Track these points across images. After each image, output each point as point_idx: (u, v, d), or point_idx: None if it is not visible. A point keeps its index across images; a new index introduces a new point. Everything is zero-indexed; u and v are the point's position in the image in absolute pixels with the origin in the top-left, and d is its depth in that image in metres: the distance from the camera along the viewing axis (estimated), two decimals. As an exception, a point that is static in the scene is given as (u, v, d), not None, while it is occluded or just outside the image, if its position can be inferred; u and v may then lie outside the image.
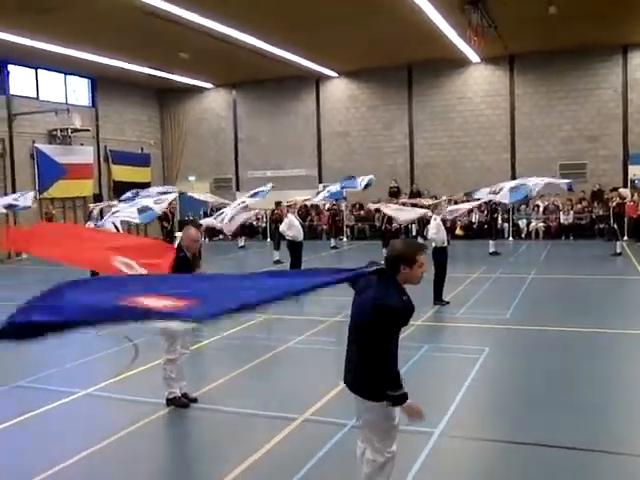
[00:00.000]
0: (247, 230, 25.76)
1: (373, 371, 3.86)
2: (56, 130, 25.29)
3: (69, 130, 25.48)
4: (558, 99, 25.03)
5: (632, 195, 22.40)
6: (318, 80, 28.29)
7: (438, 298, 11.74)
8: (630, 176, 24.28)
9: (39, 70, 25.32)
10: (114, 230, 13.14)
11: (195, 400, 6.77)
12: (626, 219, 20.12)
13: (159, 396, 6.74)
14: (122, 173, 28.21)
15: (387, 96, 27.34)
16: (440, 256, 11.88)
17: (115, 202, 19.25)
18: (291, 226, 15.43)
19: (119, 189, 28.02)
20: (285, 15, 18.45)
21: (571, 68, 24.69)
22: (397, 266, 3.88)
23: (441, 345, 8.45)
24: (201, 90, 30.34)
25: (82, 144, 26.49)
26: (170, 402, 6.67)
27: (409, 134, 27.17)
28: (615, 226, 18.61)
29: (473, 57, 24.88)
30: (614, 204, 18.79)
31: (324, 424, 6.01)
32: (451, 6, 17.90)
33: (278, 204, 20.34)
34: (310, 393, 6.86)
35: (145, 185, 29.20)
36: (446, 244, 12.02)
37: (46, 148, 25.09)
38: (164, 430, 6.28)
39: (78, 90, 27.36)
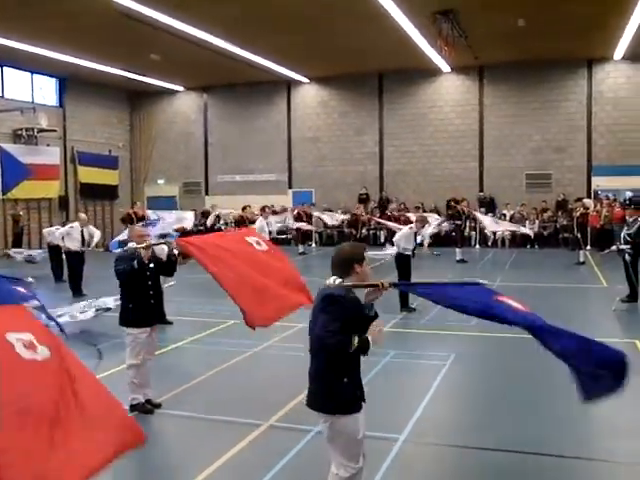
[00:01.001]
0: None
1: (326, 379, 3.86)
2: (21, 130, 24.78)
3: (35, 130, 25.02)
4: (527, 110, 25.41)
5: (595, 206, 22.82)
6: (289, 85, 28.30)
7: (404, 305, 11.82)
8: (593, 187, 24.76)
9: (5, 68, 24.88)
10: None
11: (159, 406, 6.71)
12: (589, 229, 20.49)
13: (123, 402, 6.63)
14: (89, 175, 27.84)
15: (358, 103, 27.48)
16: (402, 262, 12.09)
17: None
18: (261, 231, 15.38)
19: (86, 191, 27.76)
20: (256, 20, 18.44)
21: (539, 80, 25.09)
22: (351, 266, 3.97)
23: (407, 352, 8.49)
24: (172, 93, 30.14)
25: (48, 145, 26.06)
26: (133, 408, 6.59)
27: (379, 141, 27.33)
28: (579, 235, 18.93)
29: (444, 67, 25.13)
30: (578, 214, 19.11)
31: (289, 430, 6.00)
32: (422, 15, 18.06)
33: (244, 209, 20.37)
34: (276, 399, 6.83)
35: (112, 188, 28.98)
36: (409, 253, 12.19)
37: (10, 148, 24.61)
38: (127, 436, 6.19)
39: (45, 89, 26.96)
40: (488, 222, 21.53)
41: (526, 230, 21.38)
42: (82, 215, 16.55)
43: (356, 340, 3.73)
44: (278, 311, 5.08)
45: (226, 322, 10.86)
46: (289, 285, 5.20)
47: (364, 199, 26.51)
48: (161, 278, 7.08)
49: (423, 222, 12.95)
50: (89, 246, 15.47)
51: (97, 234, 16.11)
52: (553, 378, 7.61)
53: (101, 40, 20.40)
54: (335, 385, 3.84)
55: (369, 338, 3.79)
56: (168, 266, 6.85)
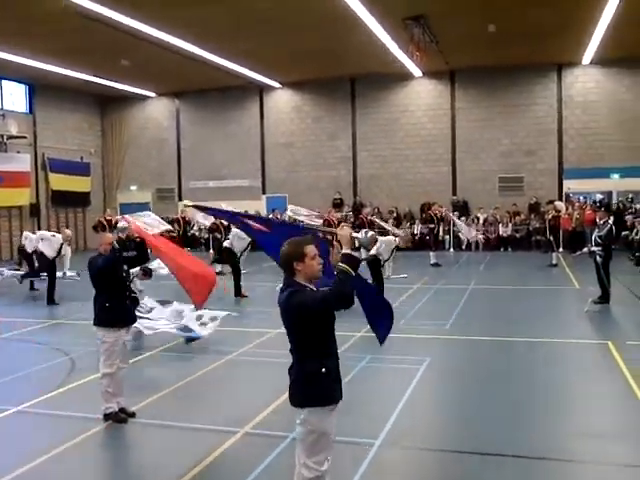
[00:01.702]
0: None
1: (304, 370, 3.88)
2: (-10, 136, 24.50)
3: (4, 137, 24.73)
4: (497, 114, 25.69)
5: (567, 208, 23.08)
6: (262, 90, 28.28)
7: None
8: (565, 190, 25.09)
9: (-28, 74, 24.56)
10: None
11: (133, 415, 6.64)
12: (561, 231, 20.74)
13: (96, 411, 6.58)
14: (61, 182, 27.50)
15: (331, 108, 27.54)
16: (376, 266, 12.33)
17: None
18: (240, 238, 15.01)
19: (57, 198, 27.42)
20: (227, 23, 18.37)
21: (510, 84, 25.39)
22: (291, 266, 3.91)
23: (382, 356, 8.49)
24: (143, 98, 29.95)
25: (19, 151, 25.71)
26: (107, 417, 6.52)
27: (352, 146, 27.42)
28: (551, 238, 19.15)
29: (415, 71, 25.30)
30: (550, 217, 19.33)
31: (265, 437, 5.97)
32: (393, 20, 18.17)
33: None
34: (251, 406, 6.81)
35: (84, 195, 28.68)
36: (382, 259, 12.35)
37: (-21, 155, 24.27)
38: (101, 446, 6.13)
39: (15, 95, 26.60)
40: (465, 229, 22.29)
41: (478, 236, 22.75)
42: (68, 231, 16.53)
43: (340, 262, 3.77)
44: (206, 290, 7.00)
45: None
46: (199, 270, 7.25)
47: (338, 204, 26.58)
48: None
49: (409, 242, 13.05)
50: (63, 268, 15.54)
51: (68, 256, 16.19)
52: (529, 381, 7.71)
53: (68, 45, 20.10)
54: (313, 376, 3.85)
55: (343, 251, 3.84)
56: (139, 255, 7.17)
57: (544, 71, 24.98)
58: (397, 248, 13.33)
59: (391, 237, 12.88)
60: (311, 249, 3.93)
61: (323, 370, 3.86)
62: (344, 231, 3.94)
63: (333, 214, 23.32)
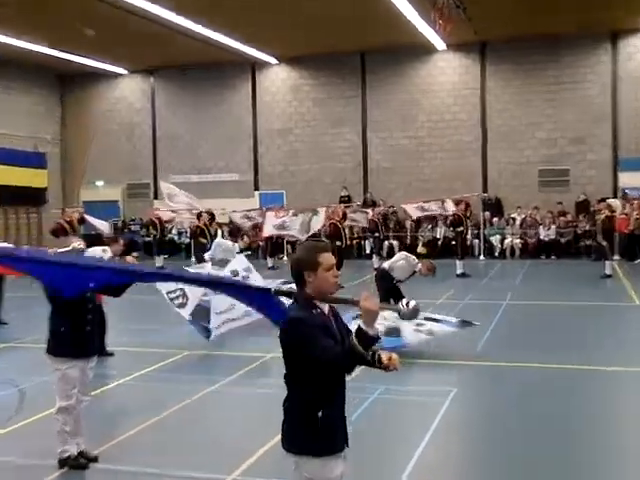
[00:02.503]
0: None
1: (297, 411, 3.82)
2: None
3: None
4: (537, 94, 25.63)
5: (623, 207, 22.92)
6: (254, 67, 28.31)
7: None
8: (620, 184, 24.98)
9: None
10: None
11: (95, 459, 6.56)
12: (616, 235, 20.62)
13: (50, 455, 6.49)
14: (10, 175, 27.13)
15: (337, 88, 27.52)
16: (387, 281, 12.21)
17: None
18: (224, 250, 15.20)
19: (5, 195, 27.10)
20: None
21: (552, 58, 25.35)
22: (301, 275, 3.84)
23: (399, 387, 8.39)
24: (113, 76, 30.01)
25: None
26: (64, 462, 6.42)
27: (362, 133, 27.42)
28: (604, 243, 19.01)
29: (438, 44, 25.28)
30: (602, 217, 19.20)
31: (256, 486, 5.89)
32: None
33: (199, 216, 20.22)
34: (239, 447, 6.73)
35: (39, 191, 28.60)
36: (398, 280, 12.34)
37: None
38: (55, 497, 6.05)
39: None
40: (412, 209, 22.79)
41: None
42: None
43: (353, 337, 3.54)
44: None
45: (180, 352, 10.71)
46: None
47: (345, 201, 26.47)
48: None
49: (431, 272, 12.78)
50: None
51: None
52: (569, 421, 7.58)
53: (20, 11, 19.98)
54: (306, 419, 3.78)
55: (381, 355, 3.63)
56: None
57: (595, 41, 24.95)
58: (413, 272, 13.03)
59: (414, 258, 12.74)
60: (327, 258, 3.84)
61: (320, 414, 3.77)
62: (369, 303, 3.55)
63: (339, 210, 22.64)
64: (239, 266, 12.37)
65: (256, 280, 11.78)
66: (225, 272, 11.80)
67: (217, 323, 11.02)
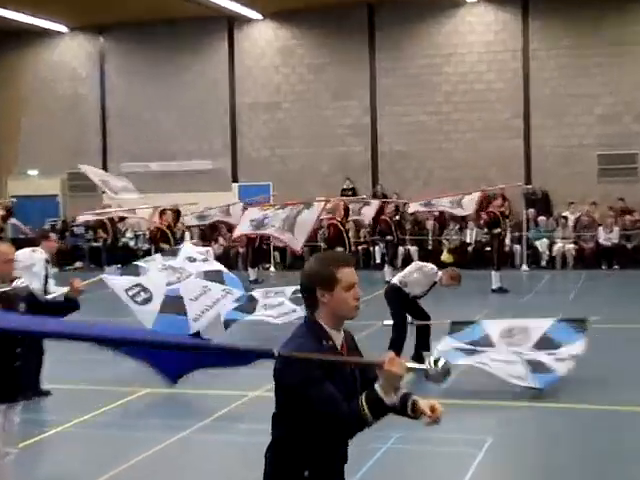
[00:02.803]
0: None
1: (278, 470, 3.81)
2: None
3: None
4: (594, 58, 25.61)
5: None
6: (232, 24, 28.38)
7: (418, 356, 11.75)
8: None
9: None
10: None
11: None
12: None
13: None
14: None
15: (338, 50, 27.57)
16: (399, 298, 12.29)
17: None
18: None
19: None
20: None
21: (613, 14, 25.35)
22: (313, 294, 3.79)
23: (418, 434, 8.24)
24: (50, 35, 30.10)
25: None
26: (-20, 534, 6.31)
27: (371, 108, 27.48)
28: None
29: (467, -8, 25.37)
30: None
31: None
32: None
33: (162, 213, 20.13)
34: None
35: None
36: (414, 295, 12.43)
37: None
38: None
39: None
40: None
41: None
42: None
43: (364, 402, 3.55)
44: None
45: (137, 391, 10.70)
46: None
47: (349, 196, 26.36)
48: None
49: (455, 281, 12.78)
50: None
51: None
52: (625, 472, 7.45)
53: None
54: (290, 477, 3.80)
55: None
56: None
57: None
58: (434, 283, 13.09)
59: (432, 267, 12.66)
60: (348, 274, 3.80)
61: (306, 474, 3.74)
62: (396, 366, 3.61)
63: (341, 206, 22.36)
64: (192, 252, 12.71)
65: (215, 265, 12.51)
66: (178, 261, 11.99)
67: (196, 313, 11.10)
